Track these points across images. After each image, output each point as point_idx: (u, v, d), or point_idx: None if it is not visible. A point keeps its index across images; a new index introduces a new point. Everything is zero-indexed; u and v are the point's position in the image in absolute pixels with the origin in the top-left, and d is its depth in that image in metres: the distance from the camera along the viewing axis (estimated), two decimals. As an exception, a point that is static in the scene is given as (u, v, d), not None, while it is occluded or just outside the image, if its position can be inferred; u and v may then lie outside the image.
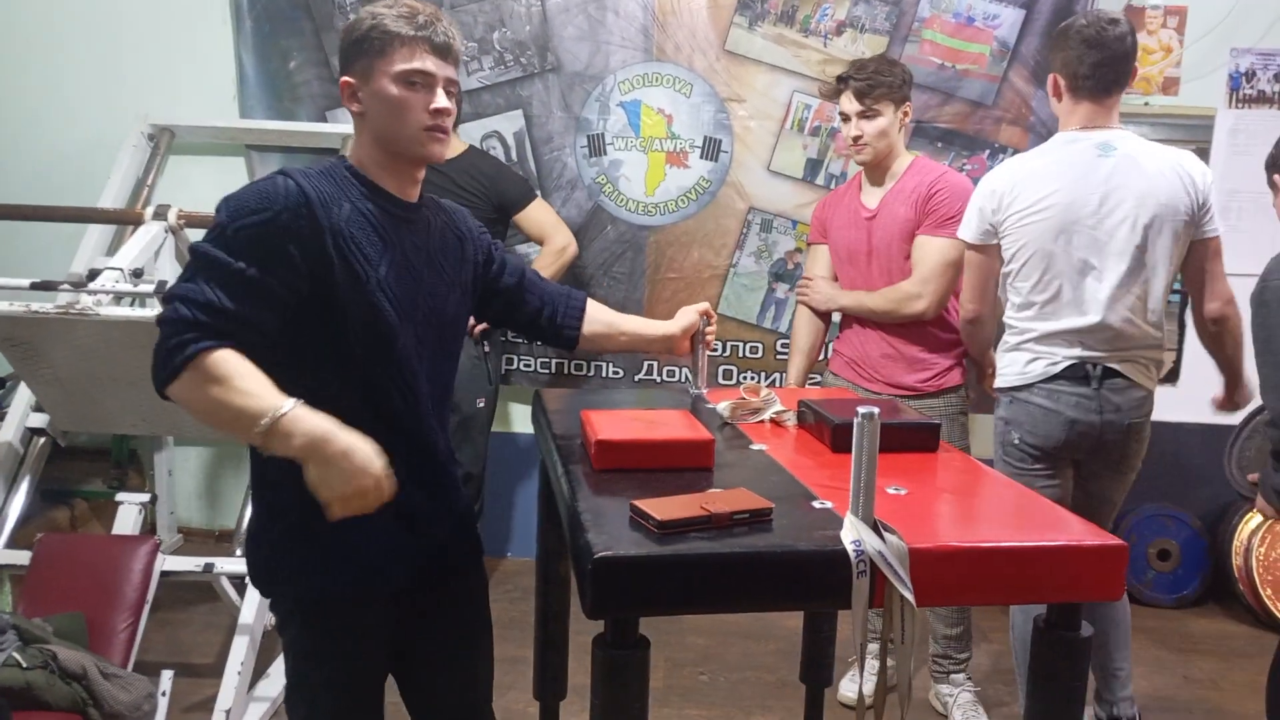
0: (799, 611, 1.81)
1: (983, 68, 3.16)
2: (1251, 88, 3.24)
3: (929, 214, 2.38)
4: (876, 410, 1.09)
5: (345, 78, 1.40)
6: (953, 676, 2.55)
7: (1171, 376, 3.40)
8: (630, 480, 1.30)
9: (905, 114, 2.43)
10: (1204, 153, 3.28)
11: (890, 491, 1.27)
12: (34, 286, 2.29)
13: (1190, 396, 3.00)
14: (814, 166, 3.27)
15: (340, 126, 3.28)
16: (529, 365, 3.44)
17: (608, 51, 3.24)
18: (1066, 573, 1.15)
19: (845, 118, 2.44)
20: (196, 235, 2.89)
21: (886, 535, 1.10)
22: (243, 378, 1.25)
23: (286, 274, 1.30)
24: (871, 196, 2.49)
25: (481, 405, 3.07)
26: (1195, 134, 3.29)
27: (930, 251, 2.38)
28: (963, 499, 1.36)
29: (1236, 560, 3.28)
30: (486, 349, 3.03)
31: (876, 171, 2.48)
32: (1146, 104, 3.29)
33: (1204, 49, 3.23)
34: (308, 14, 3.29)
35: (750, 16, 3.19)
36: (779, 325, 3.35)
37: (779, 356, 3.36)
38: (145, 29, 3.38)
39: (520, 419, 3.57)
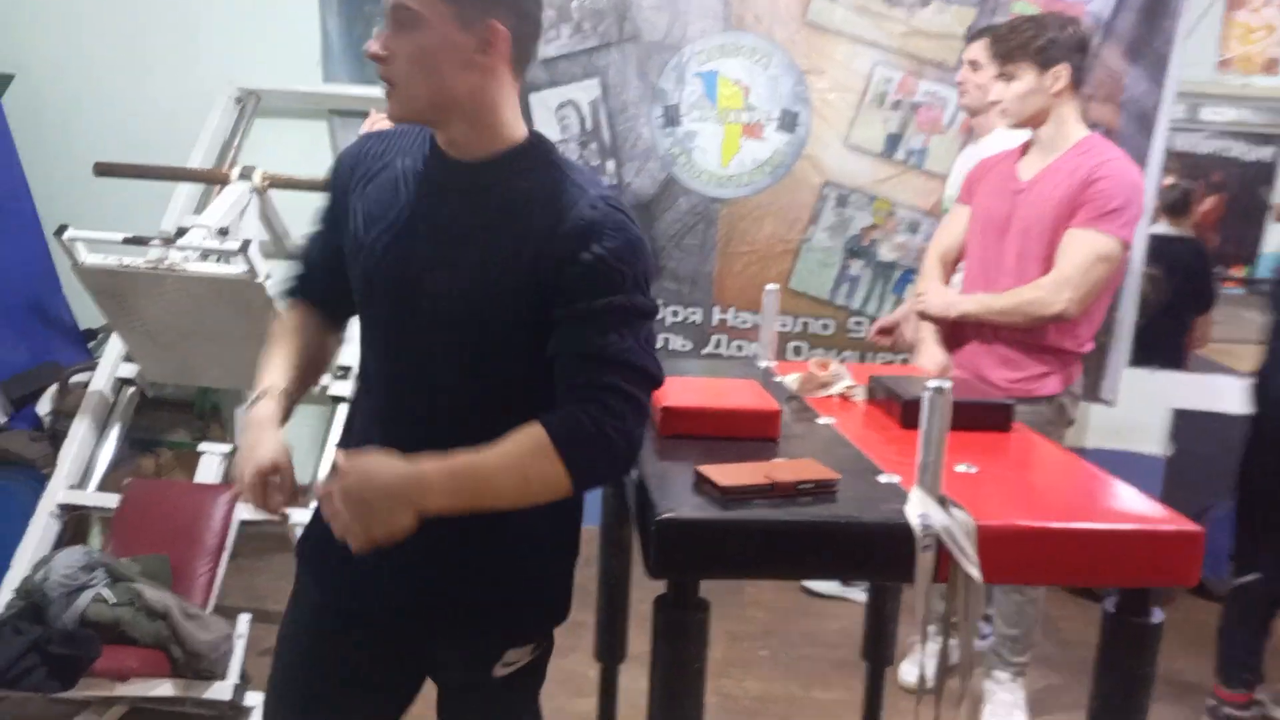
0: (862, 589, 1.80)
1: (1074, 42, 3.05)
2: (1365, 67, 3.08)
3: (1085, 203, 2.11)
4: (948, 384, 1.08)
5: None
6: (996, 673, 2.46)
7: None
8: (695, 447, 1.31)
9: (1058, 77, 2.14)
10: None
11: (959, 469, 1.26)
12: (126, 241, 2.39)
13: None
14: (893, 141, 3.21)
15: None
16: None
17: (686, 21, 3.20)
18: (1139, 557, 1.13)
19: (993, 79, 2.27)
20: (280, 196, 3.00)
21: (953, 510, 1.09)
22: (270, 344, 1.32)
23: (326, 231, 1.34)
24: (1028, 168, 2.25)
25: None
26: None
27: (1079, 247, 2.11)
28: (1034, 478, 1.34)
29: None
30: None
31: (1041, 143, 2.24)
32: (1245, 85, 3.14)
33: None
34: (391, -20, 3.33)
35: (833, -14, 3.13)
36: (851, 302, 3.31)
37: (850, 335, 3.32)
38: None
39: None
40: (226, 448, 2.64)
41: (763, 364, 1.81)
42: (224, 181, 2.74)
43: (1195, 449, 3.32)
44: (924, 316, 2.37)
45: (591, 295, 1.13)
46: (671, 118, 3.28)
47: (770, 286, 1.90)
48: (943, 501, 1.09)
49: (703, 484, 1.14)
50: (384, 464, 1.08)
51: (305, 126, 3.50)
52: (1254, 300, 3.27)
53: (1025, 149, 2.29)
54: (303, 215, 3.04)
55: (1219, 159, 3.19)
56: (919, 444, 1.09)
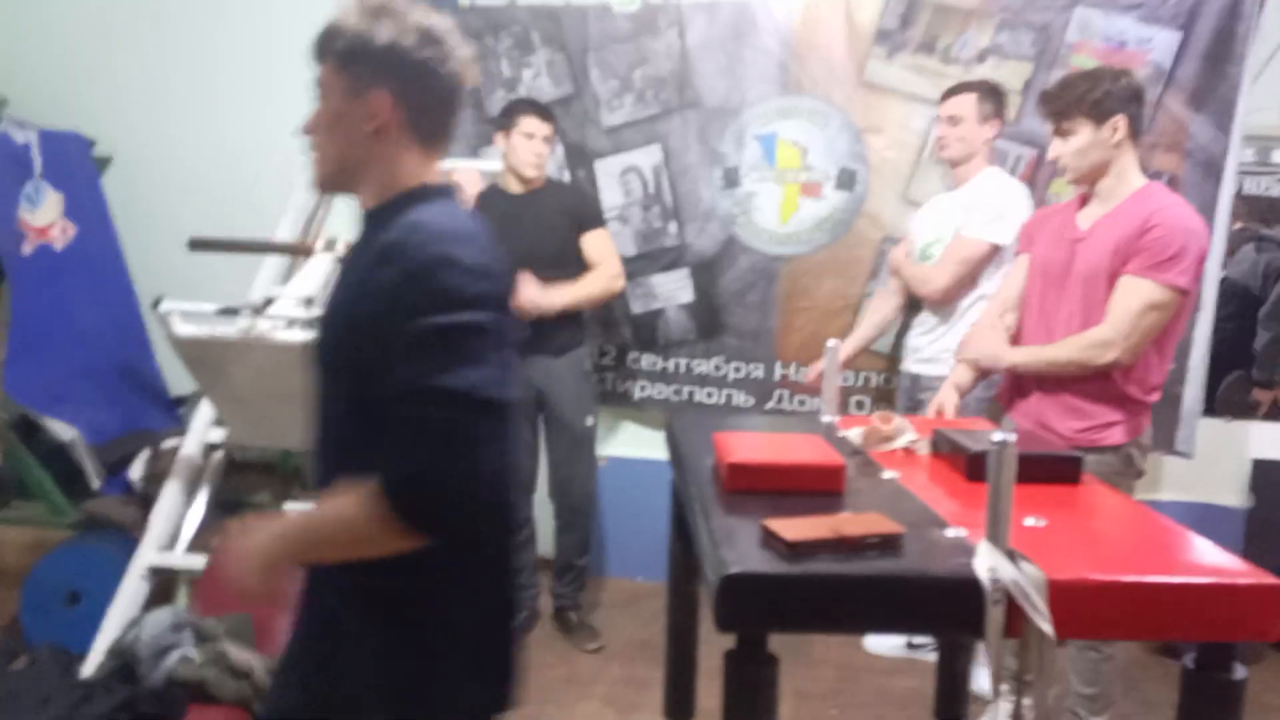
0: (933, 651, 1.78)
1: (1134, 92, 3.05)
2: None
3: (1140, 251, 2.10)
4: (1013, 436, 1.09)
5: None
6: None
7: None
8: (761, 502, 1.33)
9: (1116, 129, 2.14)
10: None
11: (1028, 523, 1.26)
12: (219, 313, 2.52)
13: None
14: (953, 196, 3.22)
15: (490, 164, 3.45)
16: (661, 393, 3.51)
17: (744, 86, 3.30)
18: (1216, 611, 1.12)
19: (1053, 136, 2.25)
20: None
21: (1022, 564, 1.09)
22: None
23: None
24: (1086, 217, 2.25)
25: (591, 423, 3.14)
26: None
27: (1132, 295, 2.10)
28: (1105, 531, 1.33)
29: None
30: (588, 366, 3.17)
31: (1100, 194, 2.24)
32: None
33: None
34: (462, 59, 3.50)
35: (889, 46, 3.19)
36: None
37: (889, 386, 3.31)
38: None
39: (651, 444, 3.64)
40: (309, 507, 2.73)
41: (826, 419, 1.83)
42: (309, 253, 2.88)
43: (1277, 500, 3.21)
44: (973, 366, 2.39)
45: (392, 322, 1.09)
46: (731, 179, 3.35)
47: (831, 342, 1.93)
48: (1012, 555, 1.10)
49: (769, 538, 1.17)
50: (248, 532, 1.19)
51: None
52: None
53: (1084, 199, 2.29)
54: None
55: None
56: (987, 497, 1.10)
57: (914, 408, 2.87)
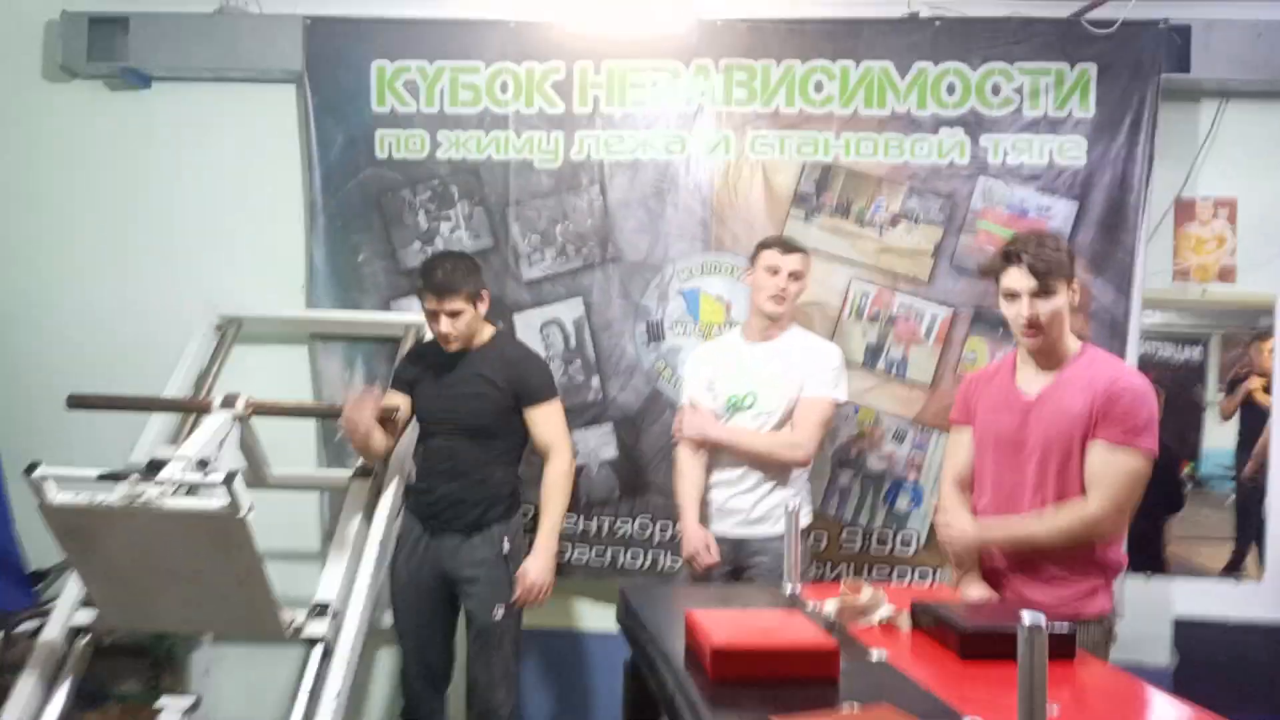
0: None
1: (1039, 256, 3.19)
2: (1311, 273, 3.25)
3: (1113, 420, 2.06)
4: (1043, 619, 0.99)
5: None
6: None
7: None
8: (752, 694, 1.18)
9: (1075, 292, 2.17)
10: (1265, 338, 3.26)
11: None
12: (101, 478, 2.25)
13: None
14: (874, 352, 3.26)
15: (403, 316, 3.33)
16: (583, 556, 3.32)
17: (667, 243, 3.31)
18: None
19: (1012, 295, 2.15)
20: (265, 424, 2.90)
21: None
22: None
23: None
24: (1032, 382, 2.20)
25: (500, 617, 2.73)
26: (1254, 321, 3.27)
27: (1116, 465, 2.05)
28: (1117, 713, 1.23)
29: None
30: (506, 548, 2.77)
31: (1043, 356, 2.19)
32: (1204, 292, 3.29)
33: (1258, 239, 3.25)
34: (379, 211, 3.42)
35: (806, 209, 3.28)
36: (843, 514, 3.25)
37: (842, 549, 3.24)
38: (221, 228, 3.51)
39: (572, 614, 3.42)
40: (188, 701, 2.40)
41: (788, 588, 1.71)
42: (205, 410, 2.65)
43: (1200, 659, 3.21)
44: (948, 546, 2.26)
45: None
46: (655, 333, 3.31)
47: (791, 504, 1.84)
48: None
49: None
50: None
51: (284, 351, 3.46)
52: (1204, 497, 3.32)
53: (1014, 364, 2.28)
54: (282, 442, 3.00)
55: (1152, 360, 3.30)
56: (1019, 690, 0.99)
57: (736, 573, 2.80)
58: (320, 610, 2.48)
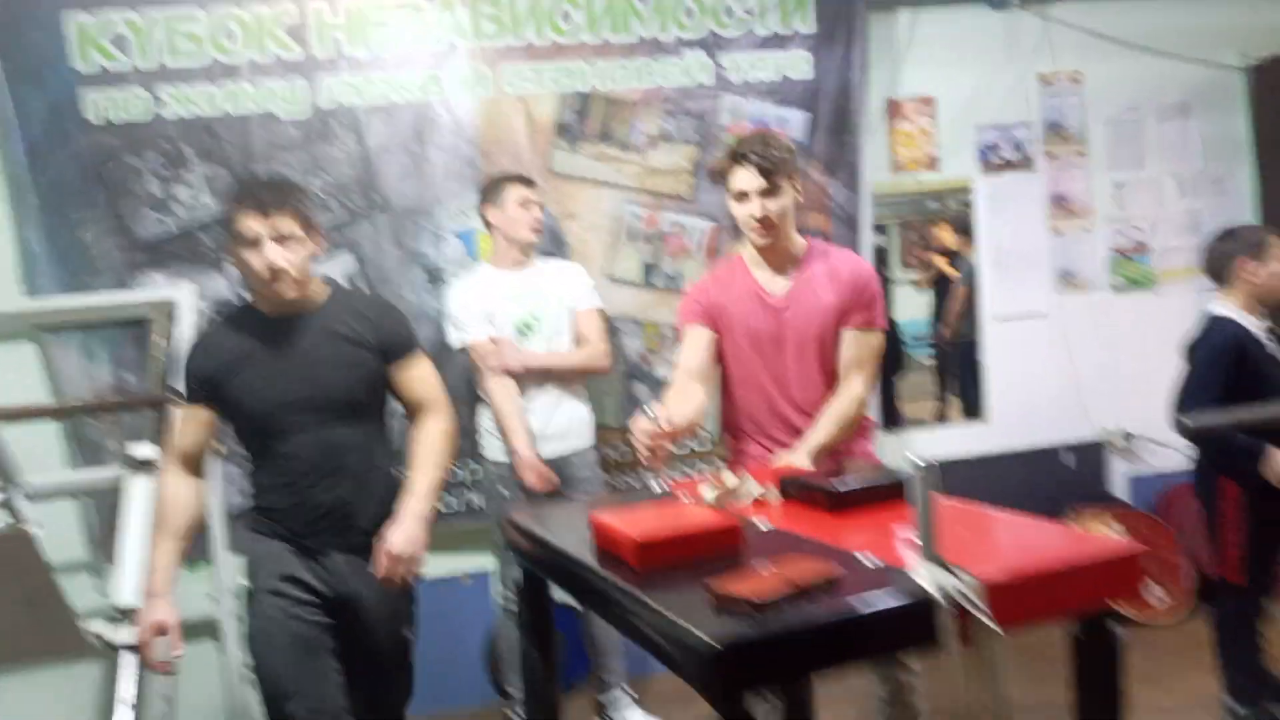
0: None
1: (783, 163, 3.47)
2: (998, 157, 3.79)
3: (859, 308, 2.26)
4: (934, 461, 1.17)
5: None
6: None
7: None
8: (678, 575, 1.29)
9: (799, 190, 2.26)
10: (966, 216, 3.77)
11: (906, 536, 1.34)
12: None
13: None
14: (650, 270, 3.43)
15: (148, 294, 3.05)
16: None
17: (435, 185, 3.26)
18: (1104, 578, 1.25)
19: (741, 196, 2.19)
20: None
21: (960, 574, 1.16)
22: None
23: None
24: (775, 282, 2.30)
25: (409, 636, 2.23)
26: (959, 200, 3.78)
27: (866, 348, 2.28)
28: (982, 535, 1.45)
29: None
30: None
31: (775, 254, 2.28)
32: (917, 181, 3.74)
33: (955, 129, 3.74)
34: (101, 182, 3.07)
35: (570, 138, 3.34)
36: (644, 425, 3.42)
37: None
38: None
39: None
40: None
41: (657, 487, 1.83)
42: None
43: (954, 492, 3.74)
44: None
45: None
46: (436, 278, 3.27)
47: (644, 406, 1.97)
48: (949, 568, 1.17)
49: (729, 603, 1.14)
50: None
51: (7, 350, 3.07)
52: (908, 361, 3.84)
53: (746, 265, 2.34)
54: (20, 446, 2.67)
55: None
56: (918, 520, 1.17)
57: (557, 492, 2.93)
58: (123, 615, 2.29)
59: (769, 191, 2.18)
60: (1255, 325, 2.65)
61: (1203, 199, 3.93)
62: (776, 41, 3.44)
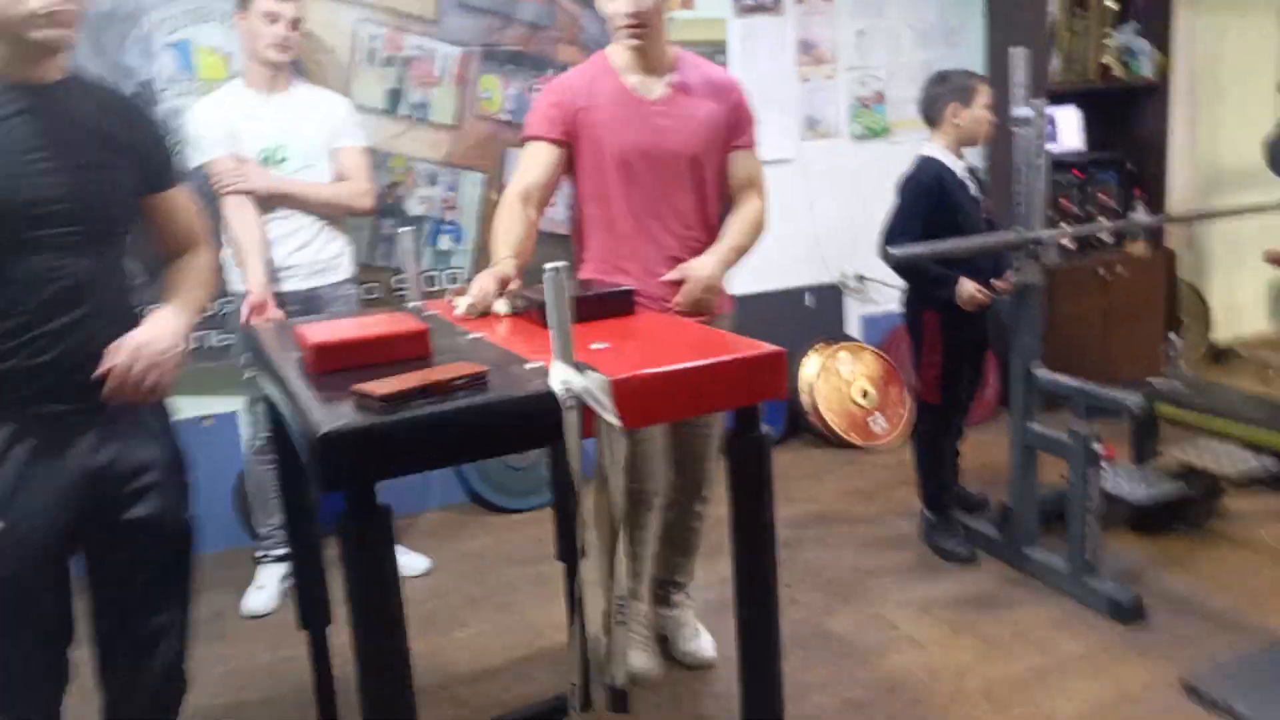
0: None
1: (535, -9, 3.34)
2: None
3: (745, 123, 2.14)
4: (563, 264, 1.19)
5: None
6: (674, 598, 2.48)
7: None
8: (351, 377, 1.28)
9: None
10: (719, 55, 3.80)
11: (594, 348, 1.39)
12: None
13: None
14: (394, 97, 3.25)
15: None
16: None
17: (140, -12, 2.89)
18: (744, 380, 1.34)
19: None
20: None
21: (588, 373, 1.21)
22: None
23: None
24: (648, 85, 2.06)
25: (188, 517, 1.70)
26: (714, 35, 3.79)
27: (758, 170, 2.18)
28: (654, 342, 1.52)
29: (804, 398, 3.96)
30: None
31: (647, 60, 2.05)
32: (671, 19, 3.70)
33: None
34: None
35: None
36: (391, 261, 3.32)
37: (395, 293, 3.33)
38: None
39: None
40: None
41: (412, 304, 1.81)
42: None
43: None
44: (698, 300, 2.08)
45: None
46: (149, 97, 2.95)
47: (405, 229, 1.94)
48: (579, 366, 1.21)
49: (361, 398, 1.15)
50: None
51: None
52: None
53: (612, 69, 2.08)
54: None
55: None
56: (549, 320, 1.20)
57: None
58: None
59: None
60: (958, 165, 2.87)
61: (937, 50, 4.15)
62: None
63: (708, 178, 2.12)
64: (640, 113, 2.05)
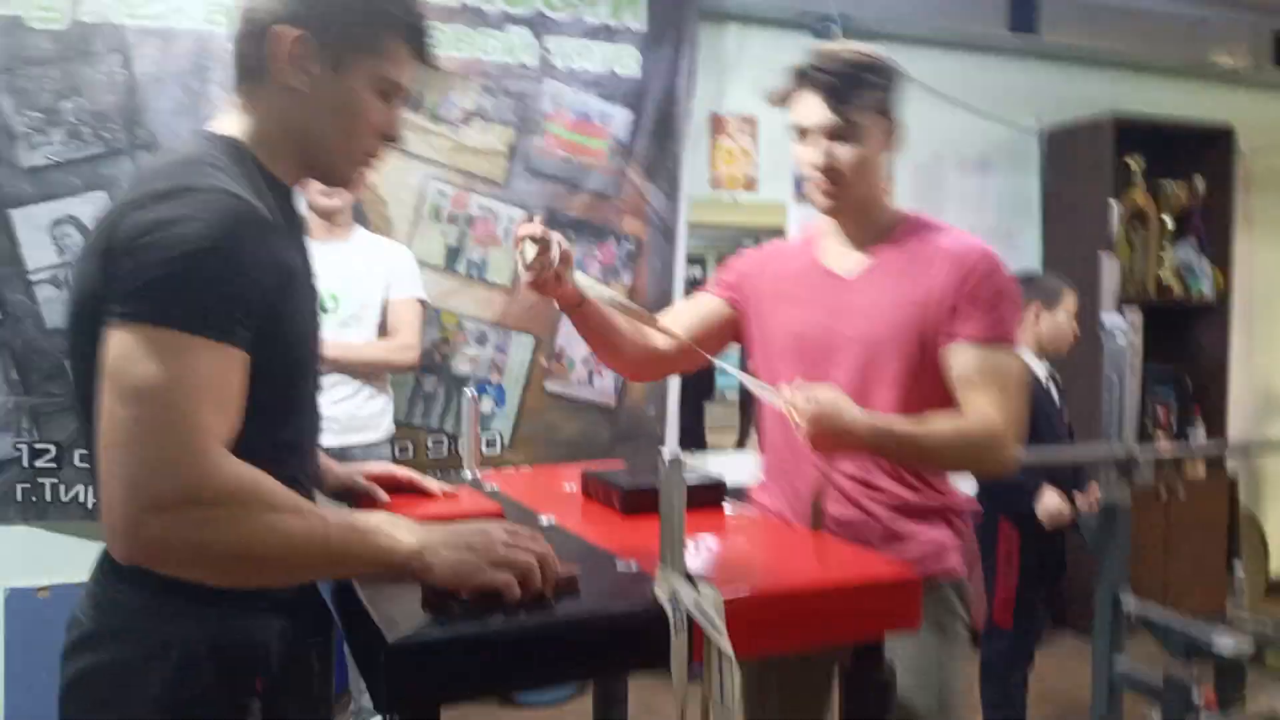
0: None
1: (603, 161, 3.34)
2: (814, 185, 3.82)
3: (978, 305, 1.47)
4: (680, 455, 1.02)
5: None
6: None
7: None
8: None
9: (893, 136, 1.53)
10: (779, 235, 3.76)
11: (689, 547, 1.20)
12: None
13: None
14: (454, 254, 3.19)
15: None
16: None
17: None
18: (872, 606, 1.12)
19: (803, 133, 1.52)
20: None
21: (701, 586, 1.02)
22: None
23: None
24: (844, 258, 1.58)
25: None
26: (773, 220, 3.76)
27: (1007, 370, 1.48)
28: (761, 549, 1.32)
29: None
30: None
31: (852, 224, 1.57)
32: (735, 200, 3.71)
33: (773, 153, 3.72)
34: None
35: (375, 101, 3.06)
36: (429, 421, 3.17)
37: (429, 455, 3.16)
38: None
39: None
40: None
41: (468, 475, 1.60)
42: None
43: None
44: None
45: None
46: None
47: (469, 391, 1.74)
48: (689, 578, 1.02)
49: (434, 596, 0.95)
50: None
51: None
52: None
53: (812, 235, 1.68)
54: None
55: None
56: (660, 520, 1.01)
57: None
58: None
59: (841, 132, 1.48)
60: (1041, 370, 2.74)
61: (996, 251, 4.12)
62: (605, 33, 3.31)
63: (900, 377, 1.50)
64: (820, 287, 1.58)
